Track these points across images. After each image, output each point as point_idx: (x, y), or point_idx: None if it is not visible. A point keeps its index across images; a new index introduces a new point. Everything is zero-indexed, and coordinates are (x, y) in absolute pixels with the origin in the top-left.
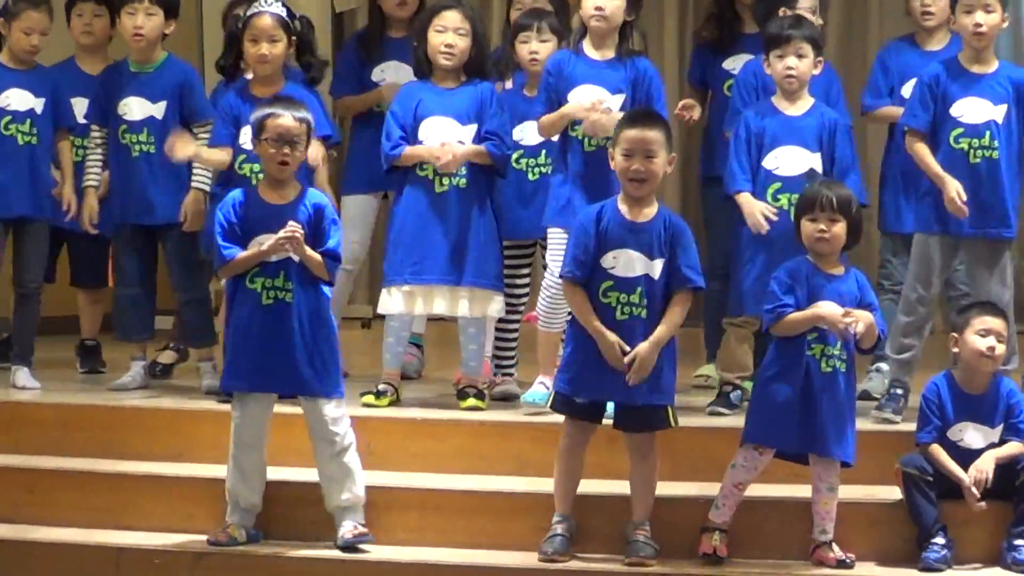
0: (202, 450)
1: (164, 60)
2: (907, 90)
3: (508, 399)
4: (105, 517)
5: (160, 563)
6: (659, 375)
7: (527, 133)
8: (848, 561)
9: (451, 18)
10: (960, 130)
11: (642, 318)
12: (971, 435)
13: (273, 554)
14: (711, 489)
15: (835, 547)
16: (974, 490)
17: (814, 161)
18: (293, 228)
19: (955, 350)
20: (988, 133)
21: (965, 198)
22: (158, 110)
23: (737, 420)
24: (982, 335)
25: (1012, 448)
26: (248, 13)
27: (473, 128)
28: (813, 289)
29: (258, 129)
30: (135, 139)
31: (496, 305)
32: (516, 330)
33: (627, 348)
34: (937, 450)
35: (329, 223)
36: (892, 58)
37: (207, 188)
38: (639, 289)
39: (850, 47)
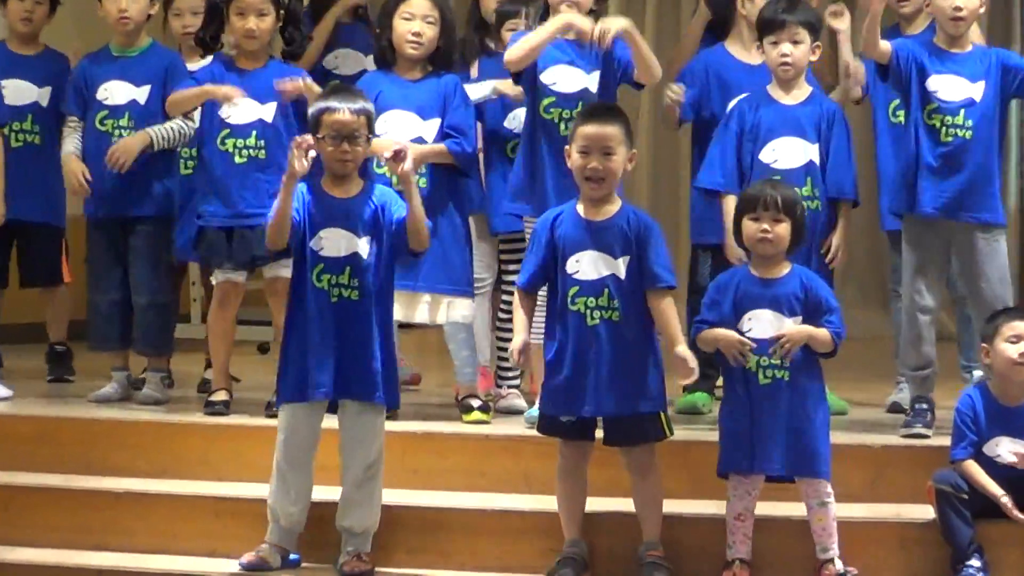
0: (188, 466)
1: (149, 45)
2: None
3: (514, 414)
4: (84, 537)
5: None
6: (644, 380)
7: (517, 123)
8: (847, 575)
9: (419, 5)
10: (934, 105)
11: (613, 321)
12: (1007, 449)
13: None
14: None
15: (837, 562)
16: (1014, 510)
17: (812, 152)
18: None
19: (987, 361)
20: (963, 111)
21: None
22: (141, 94)
23: None
24: (1013, 341)
25: None
26: None
27: (436, 123)
28: (743, 299)
29: (314, 125)
30: (115, 124)
31: (461, 310)
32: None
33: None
34: (972, 466)
35: (397, 206)
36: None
37: (156, 138)
38: (606, 291)
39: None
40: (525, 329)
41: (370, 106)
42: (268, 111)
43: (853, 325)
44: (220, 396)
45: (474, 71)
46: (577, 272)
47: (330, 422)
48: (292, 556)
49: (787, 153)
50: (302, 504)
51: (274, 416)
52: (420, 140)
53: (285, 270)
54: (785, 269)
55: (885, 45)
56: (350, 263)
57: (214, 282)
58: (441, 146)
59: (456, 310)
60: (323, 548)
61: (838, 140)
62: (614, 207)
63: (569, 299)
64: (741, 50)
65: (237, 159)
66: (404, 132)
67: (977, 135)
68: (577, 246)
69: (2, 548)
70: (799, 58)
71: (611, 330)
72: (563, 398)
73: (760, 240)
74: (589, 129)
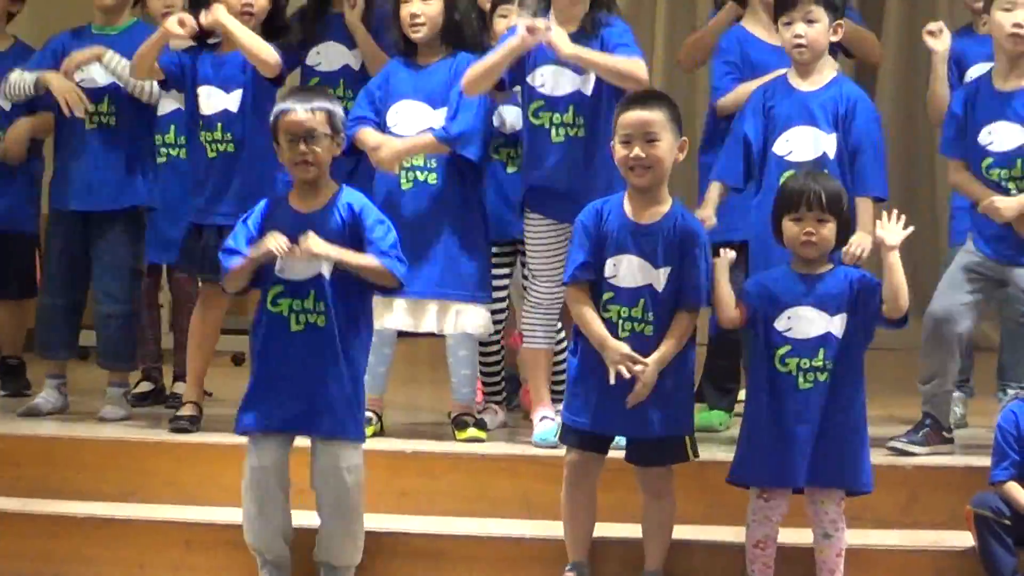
0: (157, 488)
1: (133, 23)
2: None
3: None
4: (43, 566)
5: None
6: (673, 402)
7: (499, 120)
8: None
9: None
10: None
11: (646, 335)
12: None
13: None
14: None
15: None
16: None
17: (827, 144)
18: (277, 239)
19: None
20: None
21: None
22: None
23: None
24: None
25: None
26: None
27: (446, 113)
28: (785, 301)
29: (273, 131)
30: (92, 108)
31: (473, 320)
32: (498, 351)
33: (639, 359)
34: (1015, 488)
35: (374, 222)
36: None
37: (112, 62)
38: (642, 301)
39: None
40: (601, 327)
41: (331, 105)
42: (234, 100)
43: (884, 335)
44: (187, 411)
45: None
46: (614, 277)
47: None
48: None
49: (800, 144)
50: (281, 537)
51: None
52: (431, 130)
53: None
54: (828, 265)
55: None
56: (314, 286)
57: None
58: (426, 137)
59: (467, 319)
60: None
61: (860, 130)
62: (663, 207)
63: (602, 305)
64: (761, 29)
65: (209, 153)
66: (414, 124)
67: None
68: (618, 247)
69: None
70: (815, 39)
71: (644, 345)
72: (595, 413)
73: (804, 243)
74: (630, 115)
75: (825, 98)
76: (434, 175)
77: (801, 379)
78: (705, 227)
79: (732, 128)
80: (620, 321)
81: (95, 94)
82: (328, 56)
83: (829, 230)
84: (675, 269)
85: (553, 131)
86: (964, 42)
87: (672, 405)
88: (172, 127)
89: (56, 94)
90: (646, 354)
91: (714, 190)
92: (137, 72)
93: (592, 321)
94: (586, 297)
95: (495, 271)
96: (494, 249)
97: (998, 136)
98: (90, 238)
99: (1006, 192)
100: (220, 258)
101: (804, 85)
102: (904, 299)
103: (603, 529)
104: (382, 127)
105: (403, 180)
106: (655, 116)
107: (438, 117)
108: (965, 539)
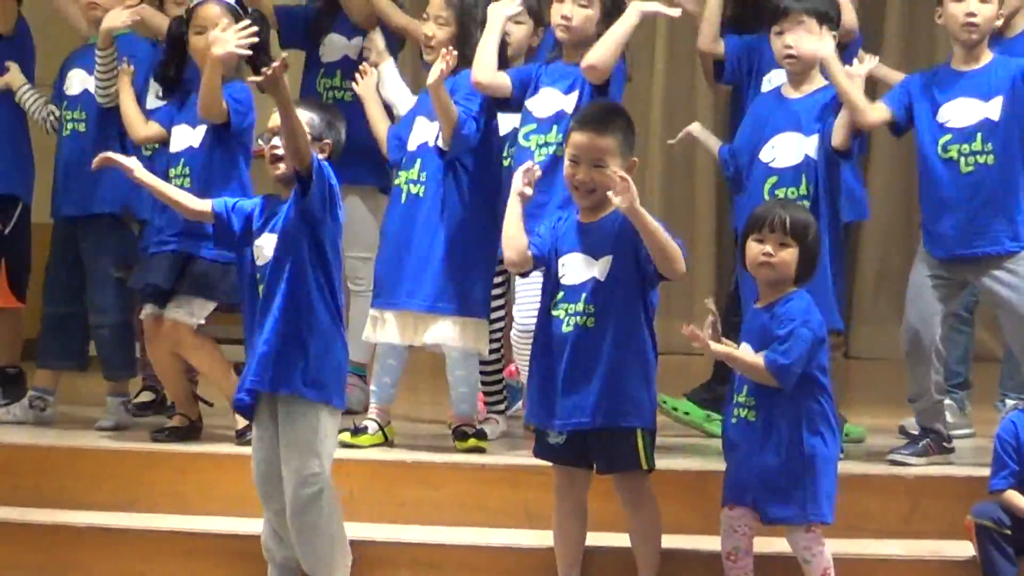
0: (156, 498)
1: (120, 35)
2: None
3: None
4: None
5: None
6: (622, 389)
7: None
8: None
9: (434, 4)
10: (948, 136)
11: (588, 327)
12: None
13: None
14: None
15: None
16: None
17: (808, 147)
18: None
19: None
20: (979, 135)
21: None
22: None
23: None
24: None
25: None
26: (193, 2)
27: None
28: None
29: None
30: (68, 116)
31: (472, 336)
32: (497, 361)
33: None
34: (1014, 496)
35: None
36: None
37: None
38: (583, 295)
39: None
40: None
41: (315, 113)
42: (197, 136)
43: (886, 342)
44: (175, 421)
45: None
46: (564, 276)
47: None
48: None
49: (784, 150)
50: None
51: (246, 444)
52: (425, 144)
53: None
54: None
55: (879, 112)
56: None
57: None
58: (453, 106)
59: (468, 337)
60: None
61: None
62: (608, 209)
63: (553, 304)
64: None
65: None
66: (416, 137)
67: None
68: (568, 247)
69: None
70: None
71: (584, 337)
72: (534, 407)
73: (761, 264)
74: (580, 138)
75: (810, 102)
76: (423, 188)
77: (736, 412)
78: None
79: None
80: (566, 318)
81: (74, 102)
82: (329, 47)
83: (790, 254)
84: (619, 255)
85: (537, 153)
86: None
87: (621, 393)
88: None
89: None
90: (587, 348)
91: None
92: (210, 113)
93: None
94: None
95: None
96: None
97: (956, 113)
98: (79, 248)
99: (957, 171)
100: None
101: (795, 94)
102: None
103: (599, 539)
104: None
105: (403, 192)
106: (607, 143)
107: (434, 129)
108: (966, 549)
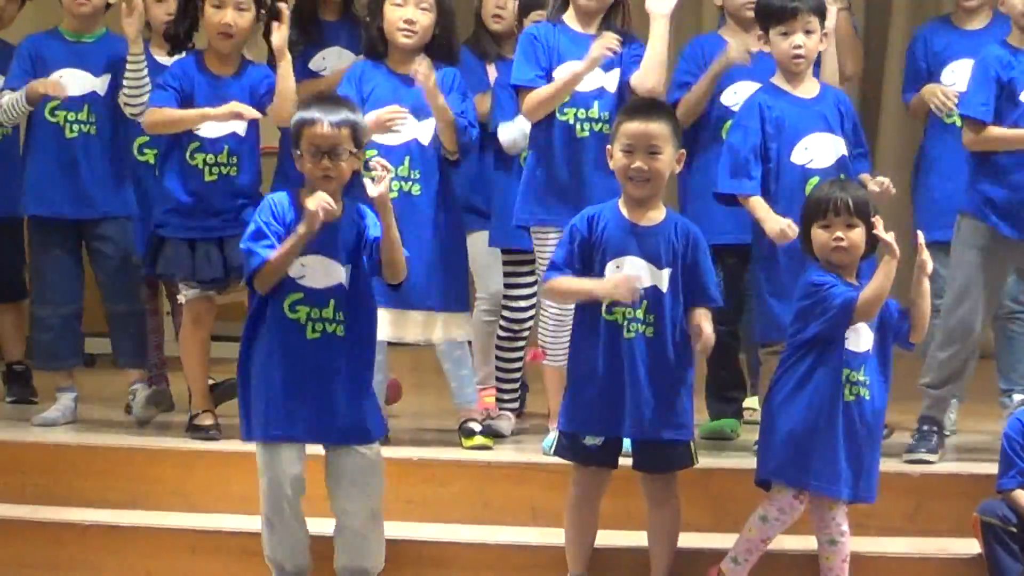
0: (163, 496)
1: (104, 32)
2: (948, 75)
3: (496, 437)
4: (48, 574)
5: None
6: (678, 403)
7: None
8: None
9: None
10: None
11: (647, 336)
12: None
13: None
14: None
15: None
16: None
17: (841, 147)
18: (318, 199)
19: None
20: None
21: None
22: (101, 85)
23: None
24: None
25: None
26: None
27: (432, 124)
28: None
29: (295, 137)
30: (66, 116)
31: (459, 328)
32: (518, 359)
33: (639, 278)
34: (1023, 496)
35: (374, 225)
36: (928, 41)
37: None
38: (644, 303)
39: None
40: (584, 281)
41: (355, 116)
42: (240, 124)
43: None
44: (207, 420)
45: (491, 72)
46: None
47: None
48: None
49: (821, 151)
50: (302, 550)
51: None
52: (415, 142)
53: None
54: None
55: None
56: (334, 295)
57: (182, 300)
58: (450, 113)
59: (452, 328)
60: None
61: (859, 133)
62: (660, 213)
63: (604, 308)
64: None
65: (207, 176)
66: (398, 134)
67: None
68: (619, 249)
69: None
70: (812, 49)
71: (647, 346)
72: (594, 416)
73: (835, 249)
74: (634, 126)
75: (828, 103)
76: (417, 186)
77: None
78: (789, 236)
79: (731, 142)
80: (625, 322)
81: (74, 103)
82: (332, 61)
83: (858, 235)
84: (677, 271)
85: (578, 127)
86: (946, 36)
87: (678, 407)
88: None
89: (50, 92)
90: (648, 355)
91: (759, 207)
92: (153, 131)
93: (573, 283)
94: (564, 275)
95: (518, 280)
96: (515, 258)
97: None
98: (82, 241)
99: None
100: (248, 255)
101: (802, 92)
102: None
103: (610, 537)
104: None
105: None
106: (659, 129)
107: (423, 128)
108: (971, 547)
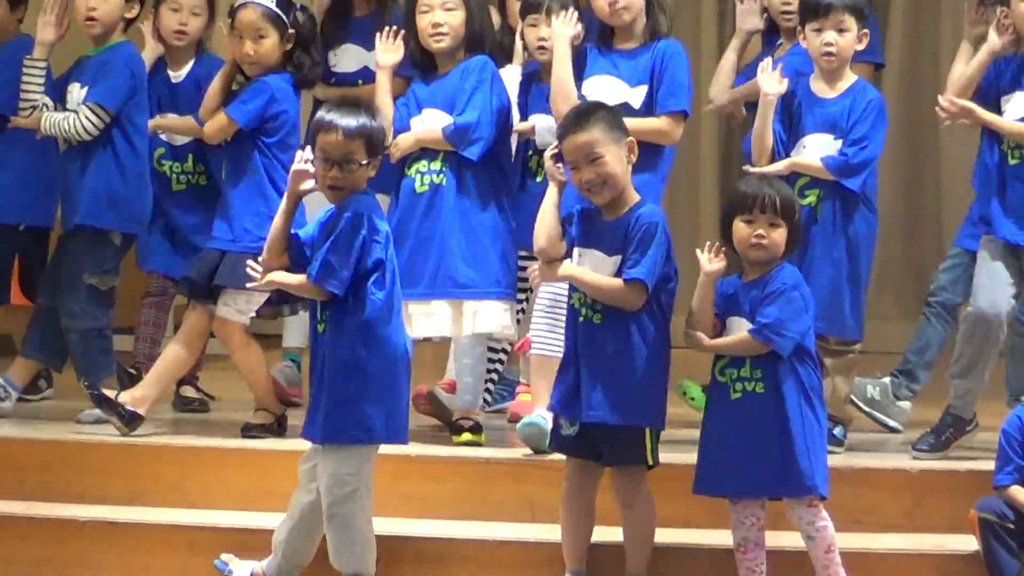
0: (161, 492)
1: (114, 44)
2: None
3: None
4: (46, 570)
5: None
6: (629, 387)
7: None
8: None
9: None
10: None
11: (594, 323)
12: None
13: None
14: None
15: None
16: None
17: (830, 149)
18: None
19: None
20: None
21: None
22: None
23: None
24: None
25: None
26: (234, 5)
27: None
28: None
29: (312, 136)
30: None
31: (493, 318)
32: (500, 359)
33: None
34: (1019, 491)
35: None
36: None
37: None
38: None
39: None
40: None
41: (374, 123)
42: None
43: (890, 337)
44: (260, 418)
45: (515, 68)
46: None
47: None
48: None
49: (813, 152)
50: (314, 538)
51: (251, 438)
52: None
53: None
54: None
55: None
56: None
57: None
58: (434, 132)
59: (486, 318)
60: None
61: (862, 125)
62: (625, 207)
63: (568, 293)
64: None
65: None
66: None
67: None
68: (582, 241)
69: None
70: (844, 47)
71: (591, 331)
72: (561, 400)
73: (753, 246)
74: (568, 142)
75: (845, 104)
76: (443, 177)
77: (732, 390)
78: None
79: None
80: (582, 308)
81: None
82: (346, 58)
83: (780, 235)
84: (625, 258)
85: None
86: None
87: (624, 393)
88: (190, 156)
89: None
90: (599, 341)
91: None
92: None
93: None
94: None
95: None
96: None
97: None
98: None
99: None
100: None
101: (828, 92)
102: None
103: (608, 534)
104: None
105: (418, 184)
106: (591, 136)
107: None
108: (969, 543)
